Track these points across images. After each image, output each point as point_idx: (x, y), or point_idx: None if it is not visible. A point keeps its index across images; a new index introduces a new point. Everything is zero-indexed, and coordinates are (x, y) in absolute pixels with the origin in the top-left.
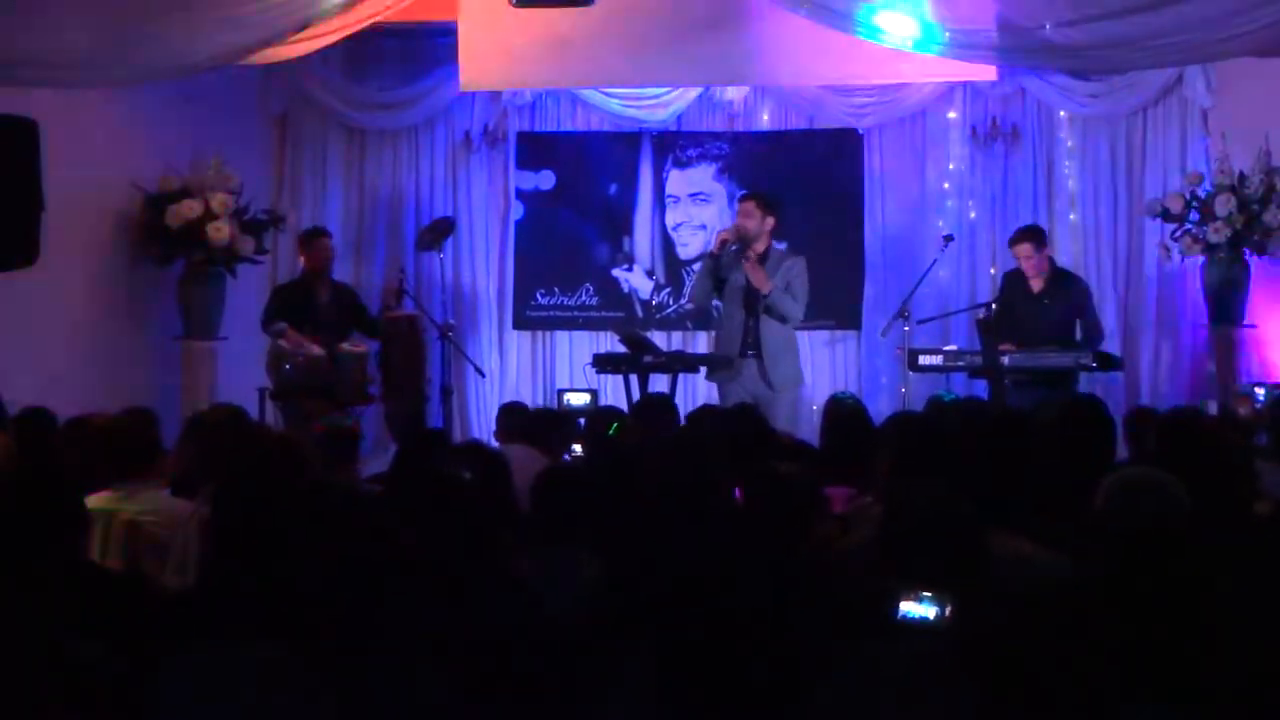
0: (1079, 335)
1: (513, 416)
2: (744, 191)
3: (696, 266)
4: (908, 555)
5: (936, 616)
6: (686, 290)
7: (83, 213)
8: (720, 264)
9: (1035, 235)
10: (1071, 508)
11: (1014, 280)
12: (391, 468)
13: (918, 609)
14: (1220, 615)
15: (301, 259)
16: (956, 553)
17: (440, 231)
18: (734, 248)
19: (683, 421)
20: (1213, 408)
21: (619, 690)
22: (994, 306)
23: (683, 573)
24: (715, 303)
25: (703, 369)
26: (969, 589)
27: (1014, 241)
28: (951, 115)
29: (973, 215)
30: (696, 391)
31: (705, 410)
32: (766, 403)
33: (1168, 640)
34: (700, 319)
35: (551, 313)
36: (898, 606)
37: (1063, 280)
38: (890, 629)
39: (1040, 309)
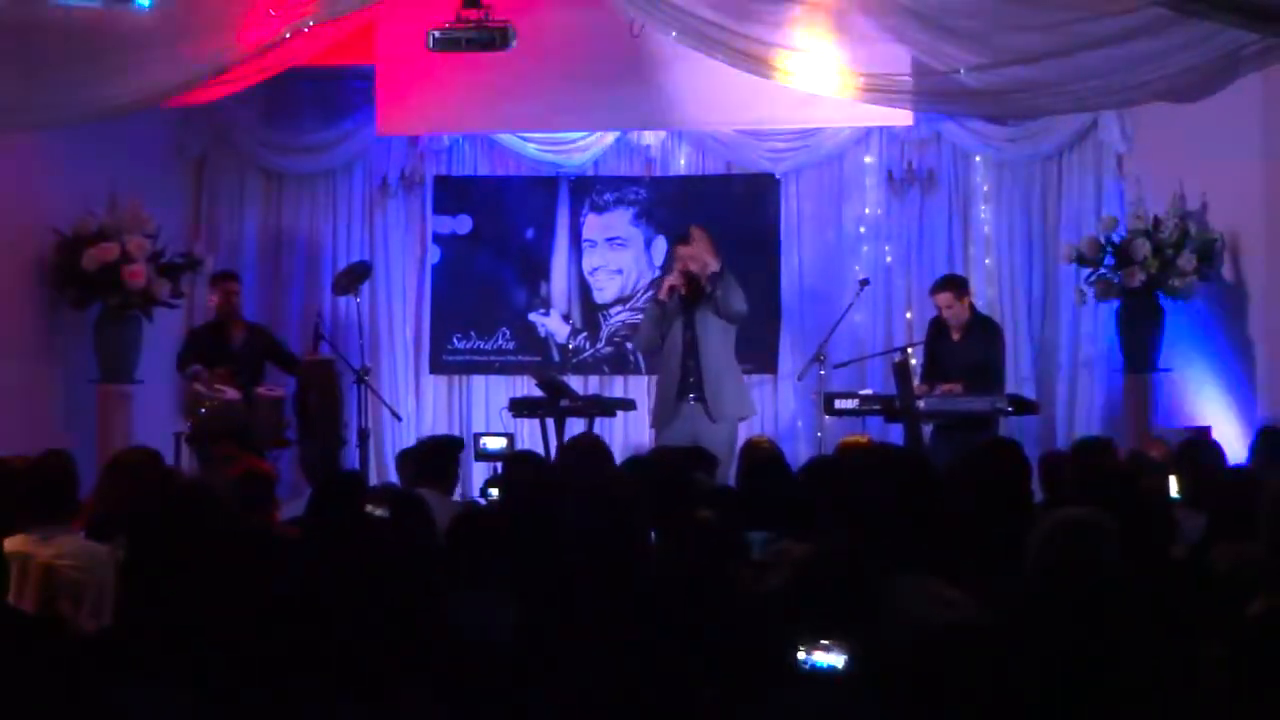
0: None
1: (407, 460)
2: (676, 233)
3: (614, 311)
4: (814, 607)
5: (845, 665)
6: (603, 334)
7: None
8: (666, 311)
9: (955, 285)
10: (988, 551)
11: (937, 326)
12: (306, 511)
13: (826, 657)
14: (1137, 658)
15: (213, 300)
16: (861, 604)
17: (357, 275)
18: (681, 294)
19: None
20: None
21: None
22: (909, 350)
23: (599, 619)
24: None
25: (622, 414)
26: (875, 637)
27: (934, 290)
28: (868, 159)
29: (889, 259)
30: (613, 436)
31: (636, 460)
32: (708, 438)
33: (1092, 685)
34: (617, 363)
35: (468, 356)
36: (807, 656)
37: (978, 325)
38: (801, 677)
39: (956, 355)
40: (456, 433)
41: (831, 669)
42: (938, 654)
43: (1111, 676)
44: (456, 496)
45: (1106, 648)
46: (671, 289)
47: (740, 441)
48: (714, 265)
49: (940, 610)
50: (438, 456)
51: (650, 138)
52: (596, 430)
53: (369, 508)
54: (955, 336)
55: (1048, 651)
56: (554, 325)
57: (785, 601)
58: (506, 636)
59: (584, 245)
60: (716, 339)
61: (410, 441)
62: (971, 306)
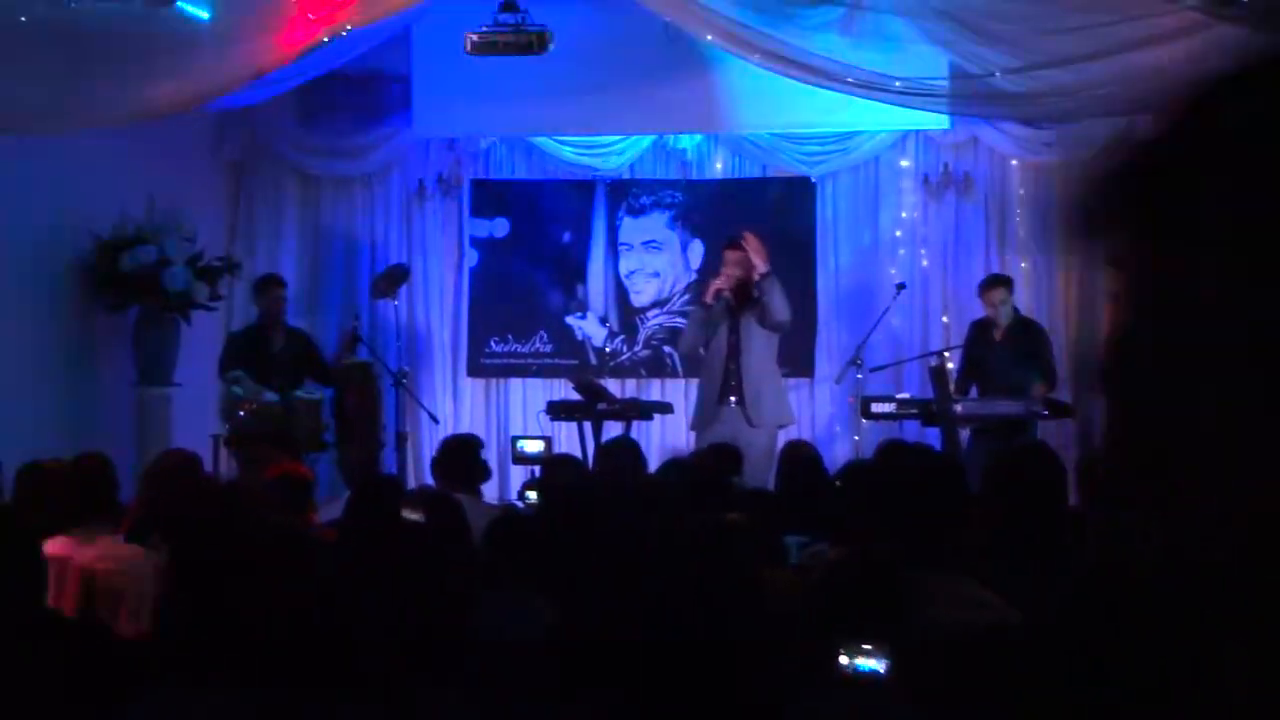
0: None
1: (435, 467)
2: (723, 237)
3: (651, 314)
4: (847, 610)
5: (887, 670)
6: (640, 338)
7: (37, 259)
8: (712, 314)
9: (1009, 282)
10: (1023, 554)
11: (980, 328)
12: (344, 514)
13: (867, 662)
14: (1175, 662)
15: (255, 306)
16: (894, 606)
17: (394, 279)
18: (726, 297)
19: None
20: None
21: None
22: (946, 354)
23: (636, 622)
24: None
25: (659, 417)
26: (908, 639)
27: (989, 286)
28: (904, 163)
29: (925, 263)
30: (650, 439)
31: (674, 463)
32: (747, 443)
33: (1129, 688)
34: (655, 366)
35: (505, 360)
36: (847, 660)
37: (1023, 326)
38: (840, 681)
39: (999, 355)
40: (494, 436)
41: (873, 672)
42: (972, 656)
43: (1149, 680)
44: (494, 499)
45: (1143, 652)
46: (717, 292)
47: (780, 447)
48: (762, 267)
49: (974, 612)
50: (458, 458)
51: (686, 141)
52: (634, 433)
53: (405, 512)
54: (998, 337)
55: (1083, 655)
56: (591, 328)
57: (818, 604)
58: (540, 639)
59: (620, 248)
60: (759, 345)
61: None
62: (1015, 308)
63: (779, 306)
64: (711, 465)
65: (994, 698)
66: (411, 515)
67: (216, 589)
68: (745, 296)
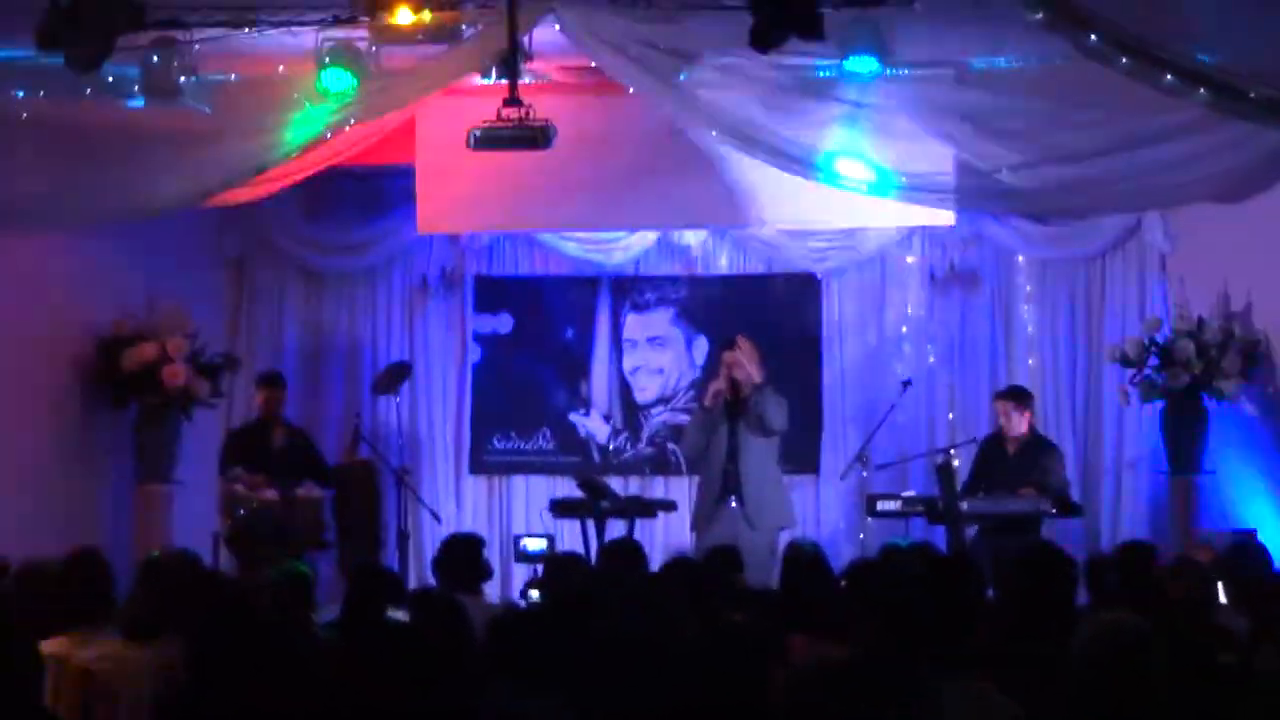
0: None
1: (441, 565)
2: (721, 337)
3: (654, 411)
4: (853, 712)
5: None
6: (644, 435)
7: (36, 355)
8: (712, 416)
9: (1018, 396)
10: (1031, 653)
11: (991, 443)
12: (341, 611)
13: None
14: None
15: (258, 401)
16: (905, 708)
17: (397, 375)
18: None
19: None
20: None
21: None
22: (953, 451)
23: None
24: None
25: (663, 515)
26: None
27: (997, 396)
28: (910, 259)
29: (931, 360)
30: (654, 537)
31: (678, 561)
32: (747, 544)
33: None
34: (658, 464)
35: (508, 456)
36: None
37: (1036, 444)
38: None
39: (1009, 468)
40: (496, 533)
41: None
42: None
43: None
44: (496, 598)
45: None
46: (717, 394)
47: (781, 548)
48: (756, 377)
49: (986, 715)
50: (459, 557)
51: (691, 237)
52: (637, 531)
53: (390, 611)
54: (1010, 450)
55: None
56: (594, 425)
57: (823, 705)
58: None
59: (625, 345)
60: (758, 447)
61: None
62: (1031, 426)
63: (774, 416)
64: (714, 565)
65: None
66: (395, 614)
67: (228, 687)
68: (743, 399)
